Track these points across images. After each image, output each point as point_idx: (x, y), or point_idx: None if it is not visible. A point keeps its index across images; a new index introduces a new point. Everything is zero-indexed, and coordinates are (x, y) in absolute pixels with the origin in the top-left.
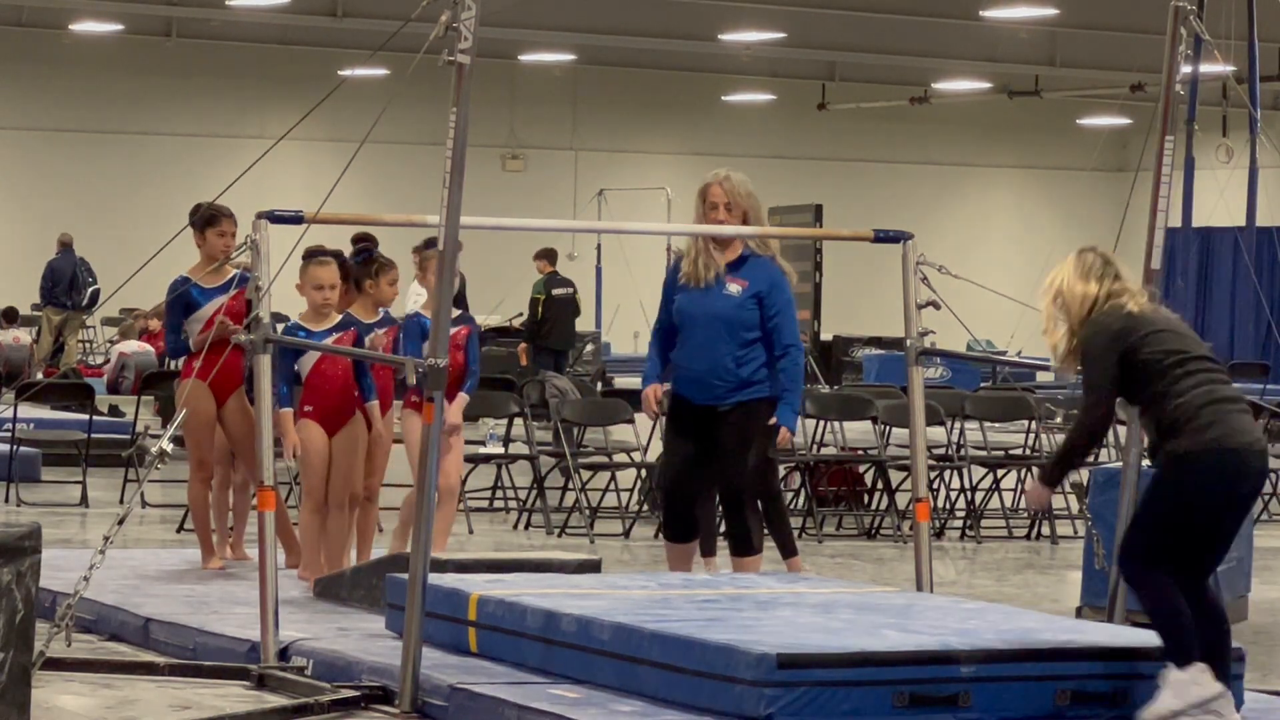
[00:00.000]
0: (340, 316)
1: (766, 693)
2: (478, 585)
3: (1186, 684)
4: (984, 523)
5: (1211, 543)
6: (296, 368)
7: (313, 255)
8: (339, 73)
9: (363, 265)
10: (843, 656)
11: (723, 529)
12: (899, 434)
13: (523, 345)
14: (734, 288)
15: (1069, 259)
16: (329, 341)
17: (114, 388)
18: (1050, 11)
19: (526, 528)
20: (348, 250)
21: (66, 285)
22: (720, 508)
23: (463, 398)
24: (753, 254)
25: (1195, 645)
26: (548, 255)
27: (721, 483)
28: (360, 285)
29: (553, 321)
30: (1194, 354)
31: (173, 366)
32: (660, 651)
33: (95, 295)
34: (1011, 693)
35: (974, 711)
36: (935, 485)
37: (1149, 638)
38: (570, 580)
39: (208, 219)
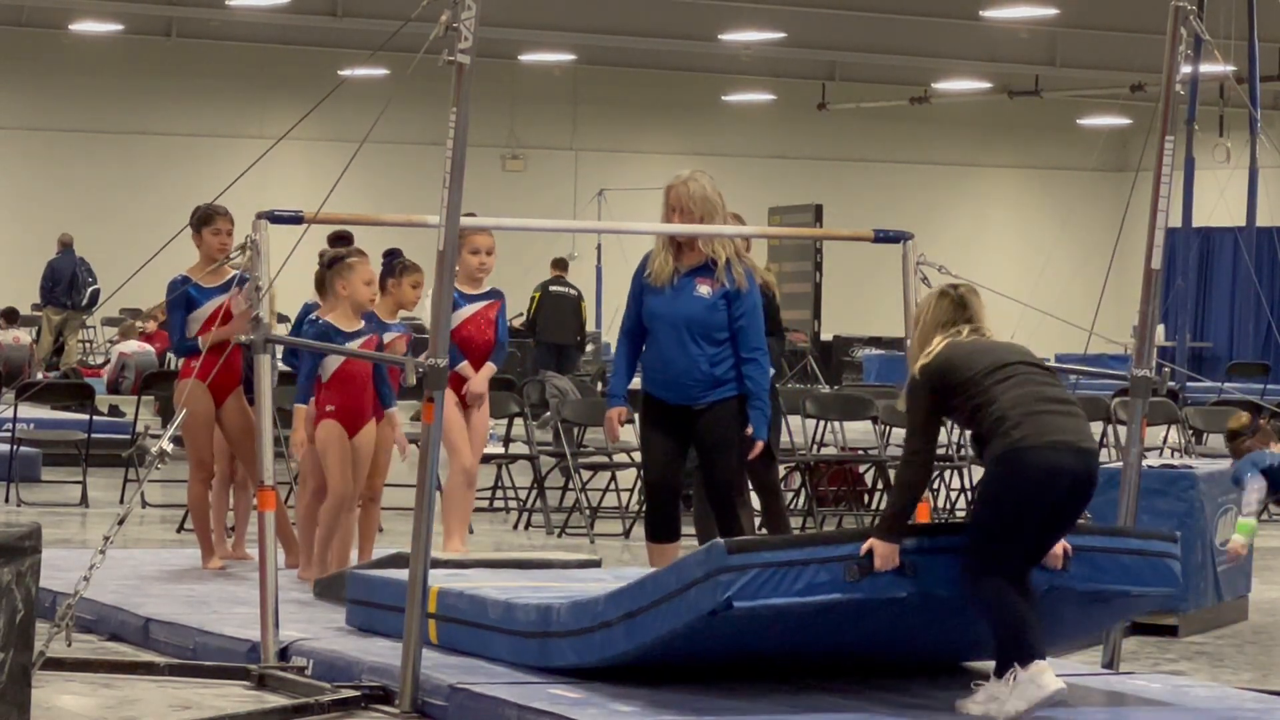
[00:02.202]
0: (362, 321)
1: (722, 579)
2: (438, 578)
3: (1028, 684)
4: None
5: (1030, 543)
6: (320, 367)
7: (338, 258)
8: (339, 73)
9: (386, 266)
10: (791, 539)
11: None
12: (899, 434)
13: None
14: (704, 289)
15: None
16: (357, 344)
17: (114, 388)
18: (1050, 11)
19: (526, 528)
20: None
21: (66, 285)
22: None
23: (489, 367)
24: (716, 262)
25: (1038, 641)
26: (557, 263)
27: (708, 482)
28: (383, 286)
29: (547, 319)
30: (1008, 361)
31: (173, 366)
32: (614, 609)
33: (95, 295)
34: (956, 565)
35: (921, 581)
36: (935, 485)
37: None
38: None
39: (203, 218)
